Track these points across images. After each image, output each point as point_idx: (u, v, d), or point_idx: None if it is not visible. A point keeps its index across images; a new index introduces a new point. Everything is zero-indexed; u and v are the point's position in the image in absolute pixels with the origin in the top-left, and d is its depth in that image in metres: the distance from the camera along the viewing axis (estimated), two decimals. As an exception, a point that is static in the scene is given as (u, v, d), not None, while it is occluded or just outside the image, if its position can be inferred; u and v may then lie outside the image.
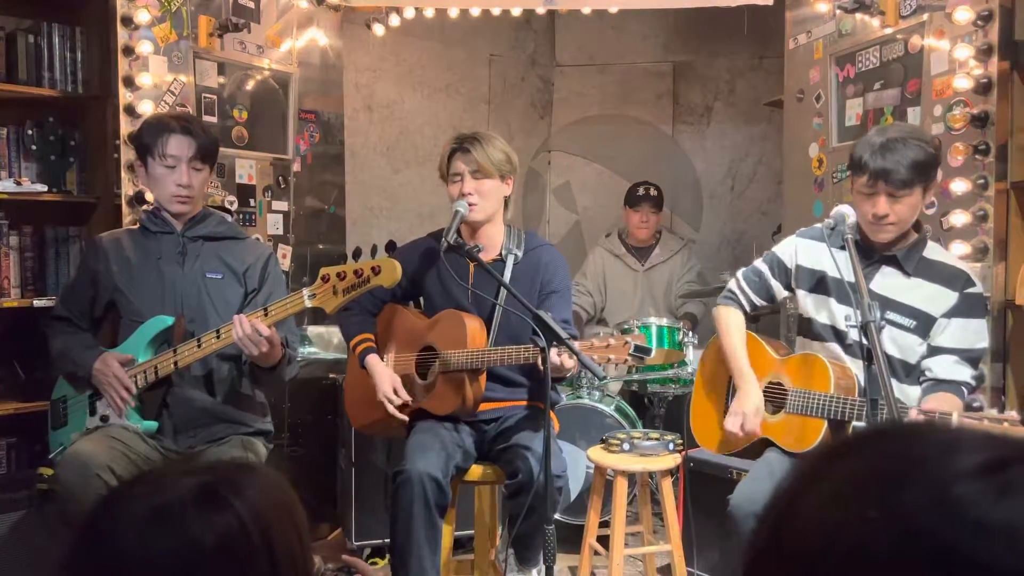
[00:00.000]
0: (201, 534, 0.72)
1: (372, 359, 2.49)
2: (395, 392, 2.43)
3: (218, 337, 2.24)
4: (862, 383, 2.14)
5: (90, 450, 2.19)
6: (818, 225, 2.35)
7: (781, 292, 2.37)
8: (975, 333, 2.13)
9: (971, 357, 2.12)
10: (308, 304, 2.11)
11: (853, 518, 0.49)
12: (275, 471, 0.84)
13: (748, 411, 2.22)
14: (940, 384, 2.09)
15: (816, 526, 0.51)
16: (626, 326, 3.58)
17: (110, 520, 0.74)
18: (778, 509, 0.55)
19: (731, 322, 2.37)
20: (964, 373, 2.10)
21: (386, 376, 2.46)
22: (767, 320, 3.82)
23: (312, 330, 3.53)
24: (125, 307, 2.41)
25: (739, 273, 2.44)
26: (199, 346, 2.26)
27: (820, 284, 2.28)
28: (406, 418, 2.45)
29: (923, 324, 2.15)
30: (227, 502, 0.75)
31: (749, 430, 2.22)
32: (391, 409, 2.43)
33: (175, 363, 2.29)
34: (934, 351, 2.13)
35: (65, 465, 2.19)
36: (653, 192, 4.17)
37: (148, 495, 0.74)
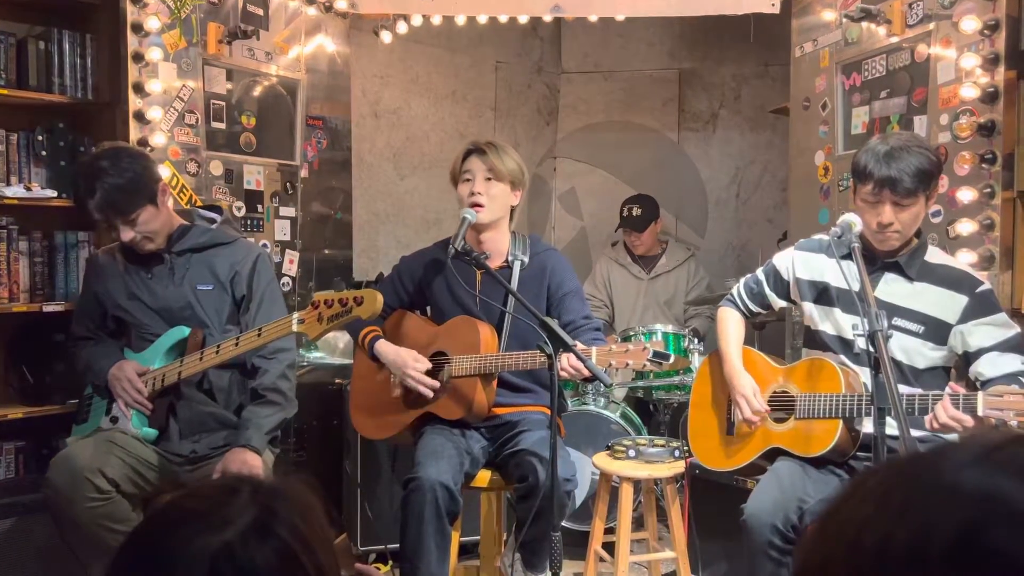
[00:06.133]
0: (264, 562, 0.76)
1: (382, 344, 2.50)
2: (416, 362, 2.42)
3: (217, 352, 2.30)
4: (870, 391, 2.14)
5: (80, 453, 2.23)
6: (817, 236, 2.39)
7: (777, 302, 2.44)
8: (1003, 325, 2.12)
9: (1011, 345, 2.10)
10: (295, 328, 2.17)
11: (882, 510, 0.57)
12: (296, 481, 0.85)
13: (747, 393, 2.28)
14: (993, 382, 2.05)
15: (852, 521, 0.58)
16: (631, 333, 3.59)
17: (172, 559, 0.76)
18: (823, 519, 0.62)
19: (728, 322, 2.46)
20: (1013, 361, 2.07)
21: (400, 352, 2.45)
22: (772, 329, 3.83)
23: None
24: (130, 322, 2.47)
25: (742, 280, 2.52)
26: (201, 359, 2.32)
27: (823, 295, 2.30)
28: (436, 383, 2.43)
29: (931, 329, 2.15)
30: (274, 529, 0.78)
31: (757, 409, 2.26)
32: (418, 378, 2.40)
33: (179, 373, 2.35)
34: (975, 356, 2.11)
35: (56, 468, 2.23)
36: (636, 212, 4.13)
37: (206, 533, 0.77)
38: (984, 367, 2.08)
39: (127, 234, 2.32)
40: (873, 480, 0.60)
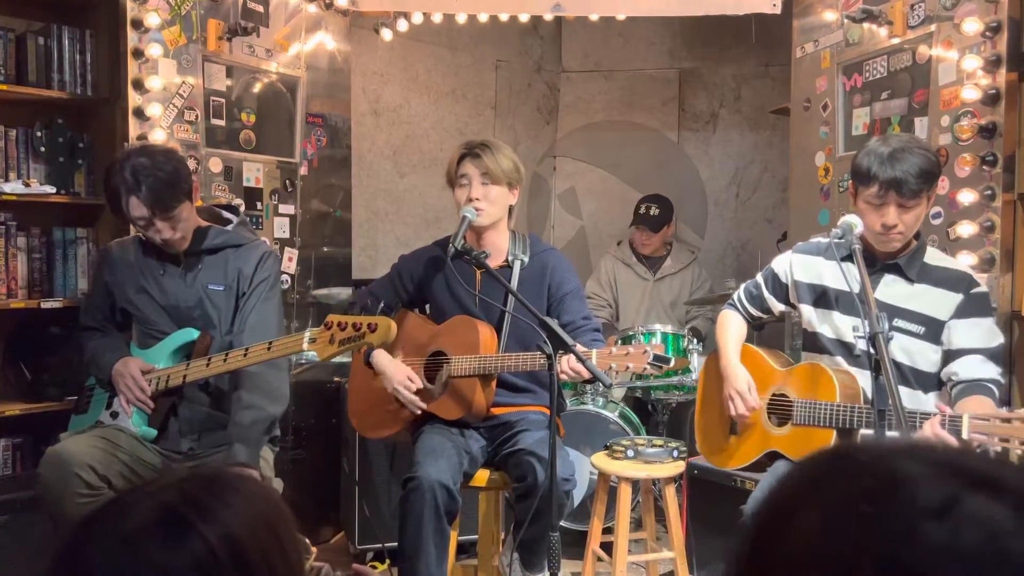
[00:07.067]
0: (166, 563, 0.70)
1: (378, 354, 2.49)
2: (409, 380, 2.43)
3: (225, 361, 2.29)
4: (869, 394, 2.14)
5: (71, 449, 2.22)
6: (815, 239, 2.39)
7: (777, 306, 2.44)
8: (989, 331, 2.13)
9: (994, 354, 2.11)
10: (306, 347, 2.17)
11: (840, 551, 0.56)
12: (259, 482, 0.82)
13: (741, 389, 2.28)
14: (970, 386, 2.07)
15: (806, 556, 0.57)
16: (631, 333, 3.59)
17: (83, 548, 0.73)
18: (769, 531, 0.61)
19: (728, 323, 2.47)
20: (991, 370, 2.09)
21: (396, 367, 2.46)
22: (771, 329, 3.82)
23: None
24: (137, 316, 2.46)
25: (743, 285, 2.53)
26: (208, 365, 2.32)
27: (822, 298, 2.30)
28: (423, 405, 2.44)
29: (932, 330, 2.16)
30: (192, 527, 0.72)
31: (751, 406, 2.26)
32: (408, 397, 2.42)
33: (184, 377, 2.34)
34: (955, 354, 2.11)
35: (46, 463, 2.21)
36: (654, 211, 4.14)
37: (116, 522, 0.73)
38: (961, 368, 2.10)
39: (167, 232, 2.29)
40: (828, 503, 0.58)
